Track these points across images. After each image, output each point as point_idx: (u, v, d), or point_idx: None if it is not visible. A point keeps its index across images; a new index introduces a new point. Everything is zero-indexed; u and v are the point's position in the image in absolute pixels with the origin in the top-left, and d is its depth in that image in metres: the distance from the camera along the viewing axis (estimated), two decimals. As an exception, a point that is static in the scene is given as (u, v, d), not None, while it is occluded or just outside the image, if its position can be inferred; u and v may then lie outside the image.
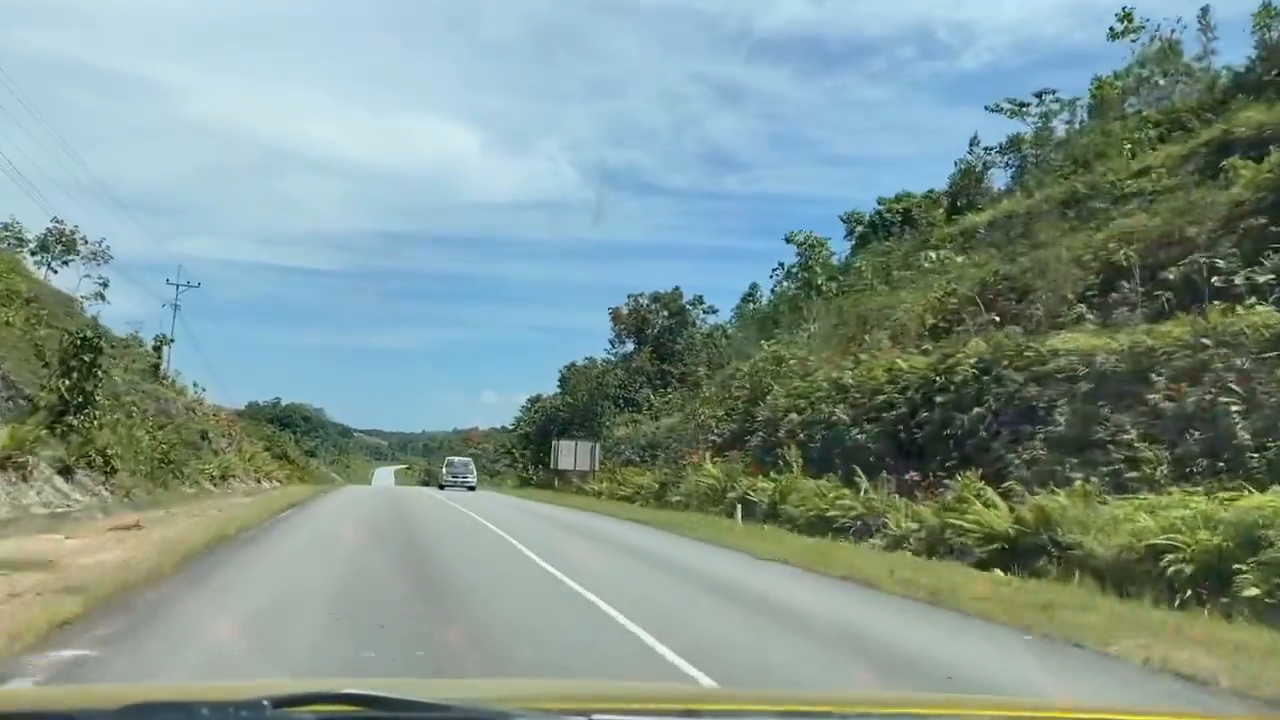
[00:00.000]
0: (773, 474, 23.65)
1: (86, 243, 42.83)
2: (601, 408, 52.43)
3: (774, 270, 43.22)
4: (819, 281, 32.00)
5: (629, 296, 58.86)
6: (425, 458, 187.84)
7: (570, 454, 38.05)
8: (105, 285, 43.18)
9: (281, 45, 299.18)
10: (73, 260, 43.74)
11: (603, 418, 52.24)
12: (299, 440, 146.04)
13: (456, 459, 57.89)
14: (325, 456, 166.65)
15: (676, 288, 58.21)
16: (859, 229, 48.49)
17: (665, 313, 57.98)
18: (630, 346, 58.32)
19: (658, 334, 57.41)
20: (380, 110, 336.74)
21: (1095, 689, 6.88)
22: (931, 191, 46.98)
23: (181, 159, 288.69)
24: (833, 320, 30.35)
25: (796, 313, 32.72)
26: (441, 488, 47.17)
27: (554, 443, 39.62)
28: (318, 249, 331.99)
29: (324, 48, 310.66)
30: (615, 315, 58.99)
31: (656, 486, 31.20)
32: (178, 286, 65.63)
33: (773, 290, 53.77)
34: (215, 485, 38.00)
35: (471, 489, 46.07)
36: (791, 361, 28.94)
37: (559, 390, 61.37)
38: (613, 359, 57.08)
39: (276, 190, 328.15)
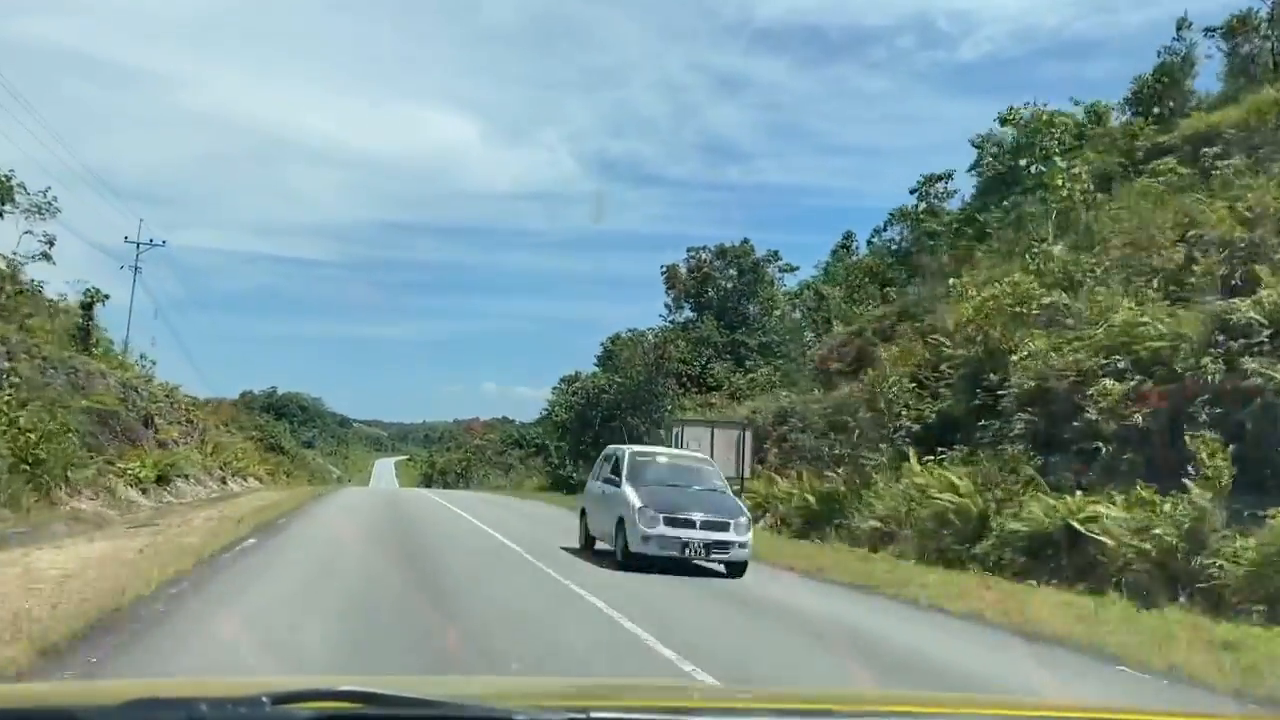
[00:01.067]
0: (1142, 490, 12.24)
1: (27, 193, 32.08)
2: (663, 387, 41.03)
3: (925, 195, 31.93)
4: (1059, 180, 20.46)
5: (689, 251, 47.41)
6: (426, 448, 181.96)
7: (702, 449, 19.90)
8: (51, 243, 32.32)
9: (280, 34, 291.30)
10: (10, 212, 33.18)
11: (664, 400, 40.89)
12: (295, 431, 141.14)
13: (665, 457, 16.94)
14: (323, 447, 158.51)
15: (746, 240, 46.84)
16: (996, 156, 37.77)
17: (733, 271, 46.55)
18: (689, 313, 46.87)
19: (724, 297, 45.99)
20: (379, 99, 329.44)
21: None
22: (1098, 103, 35.89)
23: (179, 149, 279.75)
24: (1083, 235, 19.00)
25: (1012, 231, 21.34)
26: (590, 546, 15.91)
27: (673, 430, 25.11)
28: (316, 239, 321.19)
29: (322, 37, 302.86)
30: (670, 275, 47.55)
31: (812, 503, 19.75)
32: (138, 245, 54.83)
33: (874, 239, 42.50)
34: (147, 493, 26.81)
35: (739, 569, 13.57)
36: (1044, 300, 17.58)
37: (598, 367, 50.02)
38: (670, 327, 45.54)
39: (275, 180, 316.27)
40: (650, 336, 42.68)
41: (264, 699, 1.59)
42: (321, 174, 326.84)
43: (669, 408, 40.88)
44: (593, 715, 1.75)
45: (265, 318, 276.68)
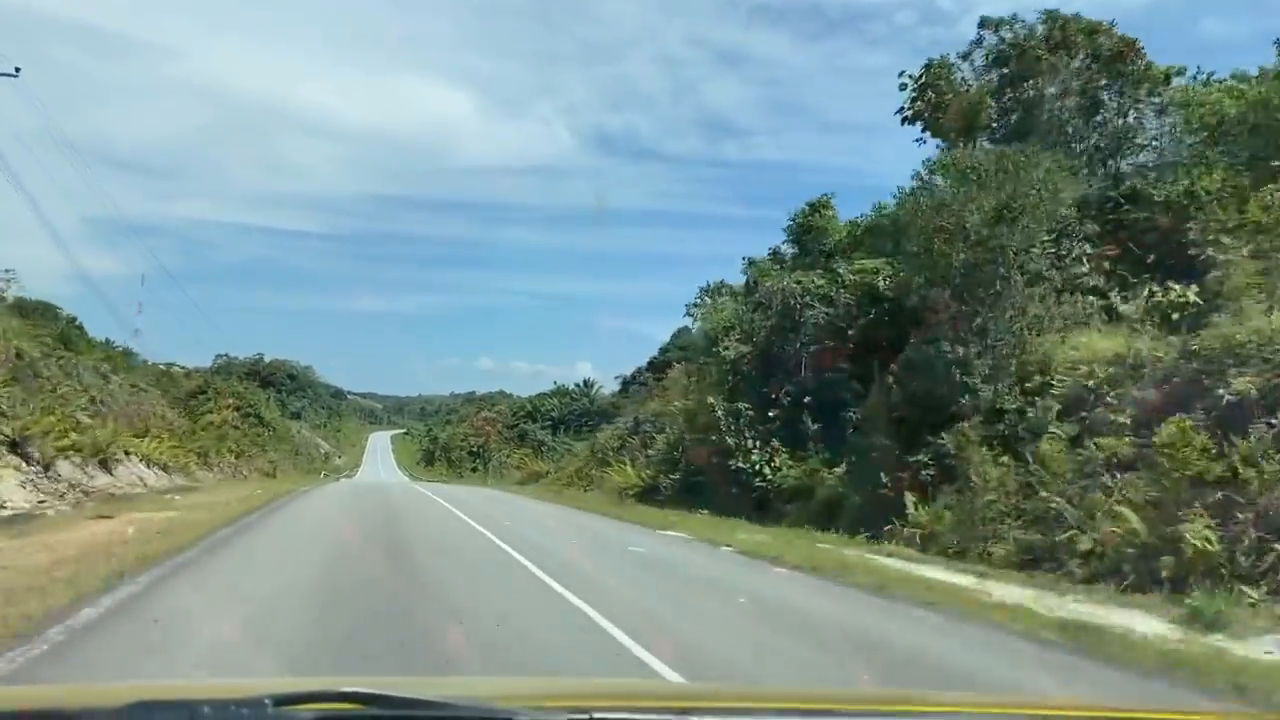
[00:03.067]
0: None
1: None
2: (1008, 280, 17.52)
3: None
4: None
5: (981, 27, 24.03)
6: (423, 421, 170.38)
7: None
8: None
9: (275, 4, 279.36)
10: None
11: (1005, 304, 17.71)
12: (285, 401, 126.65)
13: None
14: (314, 419, 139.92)
15: (1077, 16, 23.39)
16: None
17: (1073, 56, 23.20)
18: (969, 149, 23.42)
19: (1050, 118, 22.75)
20: (375, 71, 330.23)
21: None
22: None
23: (175, 120, 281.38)
24: None
25: None
26: None
27: None
28: (311, 212, 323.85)
29: (318, 8, 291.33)
30: (928, 83, 24.38)
31: None
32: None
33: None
34: None
35: None
36: None
37: (785, 246, 26.87)
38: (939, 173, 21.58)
39: (270, 153, 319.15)
40: (975, 164, 18.81)
41: (266, 700, 1.56)
42: (317, 147, 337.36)
43: (1015, 323, 17.76)
44: (595, 715, 1.70)
45: (259, 290, 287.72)
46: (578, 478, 46.59)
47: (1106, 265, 20.08)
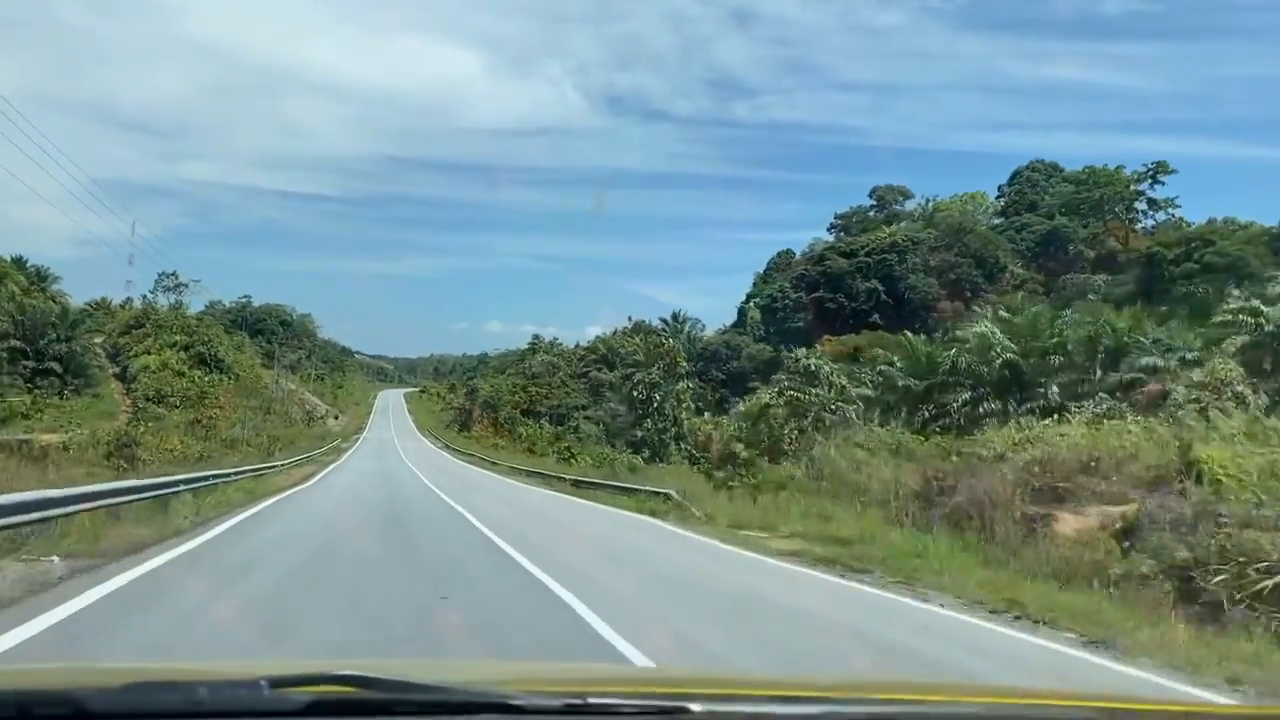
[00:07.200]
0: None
1: None
2: None
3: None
4: None
5: None
6: (437, 380, 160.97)
7: None
8: None
9: None
10: None
11: None
12: (277, 352, 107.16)
13: None
14: (309, 371, 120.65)
15: None
16: None
17: None
18: None
19: None
20: (382, 30, 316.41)
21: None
22: None
23: (180, 80, 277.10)
24: None
25: None
26: None
27: None
28: (318, 174, 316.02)
29: None
30: None
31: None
32: None
33: None
34: None
35: None
36: None
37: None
38: None
39: (276, 113, 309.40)
40: None
41: (262, 682, 1.58)
42: (323, 107, 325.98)
43: None
44: (590, 700, 1.70)
45: (266, 252, 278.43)
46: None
47: None
